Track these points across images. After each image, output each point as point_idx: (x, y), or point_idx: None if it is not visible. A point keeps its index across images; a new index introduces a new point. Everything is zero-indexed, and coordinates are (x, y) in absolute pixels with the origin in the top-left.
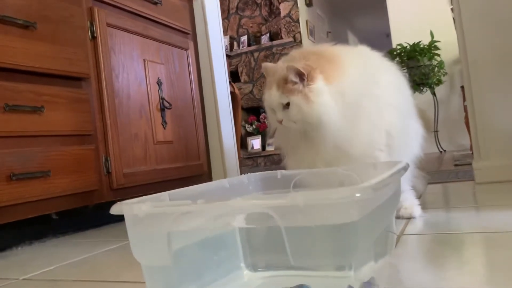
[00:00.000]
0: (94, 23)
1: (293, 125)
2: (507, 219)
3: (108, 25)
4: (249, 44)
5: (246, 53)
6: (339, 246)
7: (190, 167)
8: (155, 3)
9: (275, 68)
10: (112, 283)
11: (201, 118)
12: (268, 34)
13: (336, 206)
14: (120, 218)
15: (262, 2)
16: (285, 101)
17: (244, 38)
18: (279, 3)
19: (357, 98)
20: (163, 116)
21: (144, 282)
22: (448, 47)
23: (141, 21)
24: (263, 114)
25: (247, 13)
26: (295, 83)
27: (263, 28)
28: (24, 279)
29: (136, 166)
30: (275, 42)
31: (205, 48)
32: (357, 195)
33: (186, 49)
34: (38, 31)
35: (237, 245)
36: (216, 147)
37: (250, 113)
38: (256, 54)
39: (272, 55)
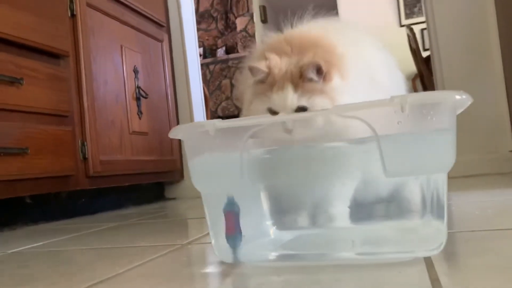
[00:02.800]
0: (74, 1)
1: (306, 134)
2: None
3: (88, 5)
4: (204, 57)
5: (201, 65)
6: (438, 155)
7: (164, 162)
8: None
9: (279, 64)
10: (133, 248)
11: (175, 113)
12: (224, 48)
13: (438, 109)
14: (95, 210)
15: (218, 16)
16: (303, 104)
17: (199, 51)
18: (235, 18)
19: (364, 90)
20: (138, 106)
21: (163, 246)
22: (400, 65)
23: (120, 7)
24: None
25: (203, 26)
26: (315, 81)
27: (219, 41)
28: (13, 252)
29: (112, 155)
30: (231, 56)
31: (179, 42)
32: (457, 97)
33: (161, 41)
34: None
35: (263, 203)
36: None
37: None
38: (211, 67)
39: (228, 68)
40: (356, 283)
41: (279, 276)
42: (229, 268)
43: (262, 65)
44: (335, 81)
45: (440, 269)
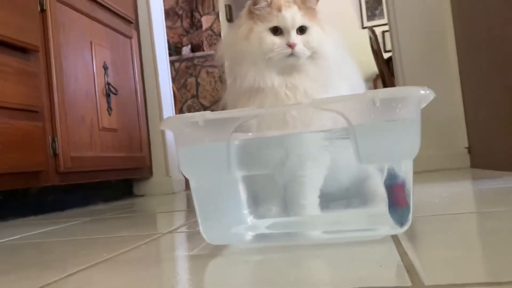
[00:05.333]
0: None
1: (304, 52)
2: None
3: (58, 0)
4: (169, 55)
5: None
6: (406, 143)
7: (133, 158)
8: None
9: None
10: (115, 237)
11: (144, 109)
12: (189, 46)
13: (405, 102)
14: (64, 206)
15: (184, 14)
16: (305, 24)
17: None
18: (201, 16)
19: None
20: (108, 102)
21: (144, 235)
22: (360, 67)
23: (90, 2)
24: None
25: (168, 23)
26: (313, 9)
27: (185, 39)
28: None
29: (83, 151)
30: (197, 54)
31: (148, 38)
32: (422, 92)
33: (130, 37)
34: None
35: (240, 192)
36: (158, 140)
37: None
38: (177, 65)
39: (194, 66)
40: (333, 258)
41: (263, 254)
42: (216, 250)
43: None
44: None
45: (407, 245)
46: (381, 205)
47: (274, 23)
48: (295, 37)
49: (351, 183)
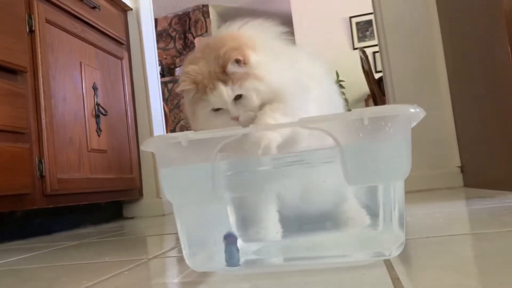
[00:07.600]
0: (33, 16)
1: (250, 115)
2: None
3: (47, 21)
4: (163, 75)
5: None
6: (396, 163)
7: (123, 180)
8: (94, 7)
9: (199, 70)
10: (98, 263)
11: (134, 130)
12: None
13: (395, 121)
14: (51, 230)
15: (177, 35)
16: (239, 93)
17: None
18: (194, 38)
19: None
20: (98, 123)
21: (129, 261)
22: (352, 87)
23: (80, 24)
24: None
25: (161, 45)
26: (238, 71)
27: (178, 60)
28: None
29: (70, 173)
30: None
31: (139, 60)
32: (411, 110)
33: (121, 59)
34: None
35: (228, 214)
36: (148, 161)
37: None
38: (170, 85)
39: None
40: (324, 285)
41: (249, 282)
42: (200, 277)
43: (187, 84)
44: (253, 59)
45: (400, 270)
46: (355, 229)
47: (209, 106)
48: (234, 111)
49: (331, 205)
